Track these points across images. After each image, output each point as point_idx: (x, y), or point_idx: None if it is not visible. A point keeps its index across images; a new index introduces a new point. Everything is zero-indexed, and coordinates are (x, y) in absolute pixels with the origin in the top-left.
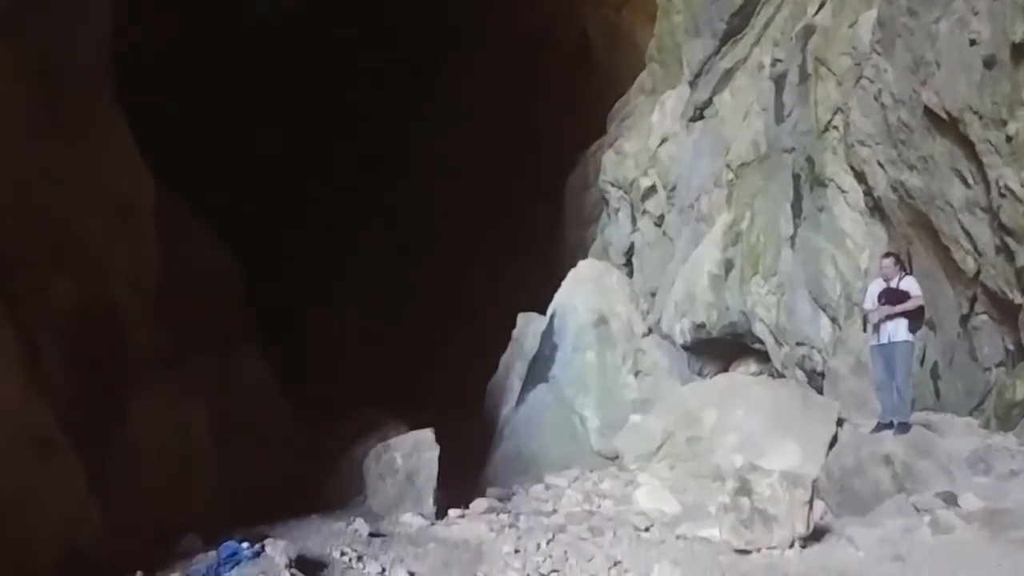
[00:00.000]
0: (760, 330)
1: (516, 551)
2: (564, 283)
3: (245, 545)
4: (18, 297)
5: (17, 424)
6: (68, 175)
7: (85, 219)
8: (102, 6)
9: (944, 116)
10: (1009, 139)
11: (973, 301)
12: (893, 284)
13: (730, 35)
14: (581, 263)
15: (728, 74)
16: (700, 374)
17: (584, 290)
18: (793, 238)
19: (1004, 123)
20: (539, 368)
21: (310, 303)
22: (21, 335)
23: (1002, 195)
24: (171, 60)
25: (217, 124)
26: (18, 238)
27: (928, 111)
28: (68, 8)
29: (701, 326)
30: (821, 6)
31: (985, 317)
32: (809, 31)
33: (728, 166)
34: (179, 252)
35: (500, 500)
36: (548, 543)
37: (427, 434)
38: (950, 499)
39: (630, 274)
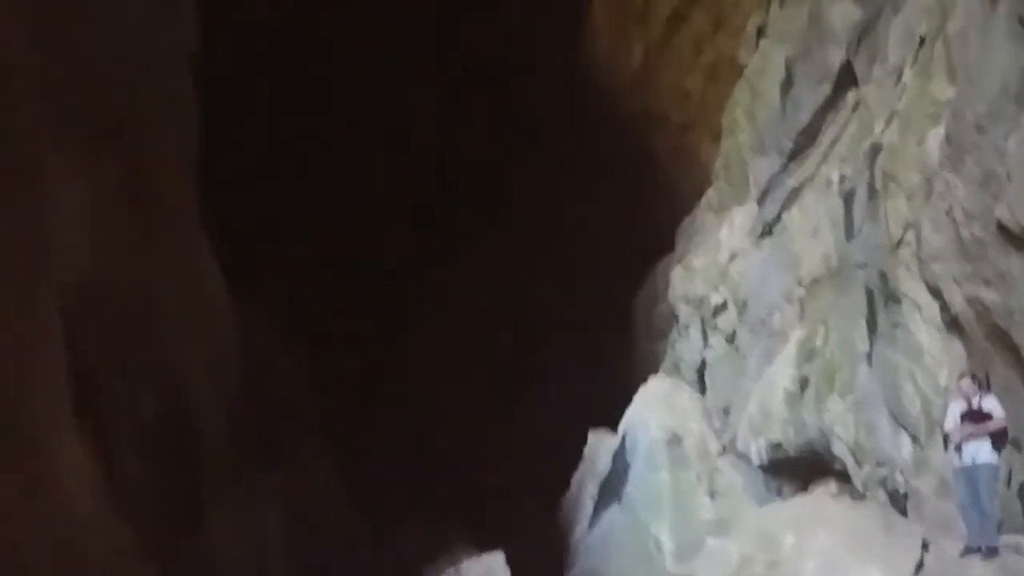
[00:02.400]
0: (839, 449)
1: None
2: (635, 400)
3: None
4: (105, 413)
5: (98, 538)
6: (154, 288)
7: (168, 332)
8: (191, 117)
9: (1018, 231)
10: None
11: None
12: (975, 404)
13: (796, 153)
14: (651, 380)
15: (796, 191)
16: (778, 494)
17: (656, 408)
18: (869, 354)
19: None
20: (612, 488)
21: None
22: (106, 449)
23: None
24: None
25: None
26: (105, 353)
27: (1001, 226)
28: (160, 120)
29: (778, 445)
30: (888, 124)
31: None
32: (876, 148)
33: (799, 282)
34: (252, 358)
35: None
36: None
37: (498, 559)
38: None
39: (702, 391)
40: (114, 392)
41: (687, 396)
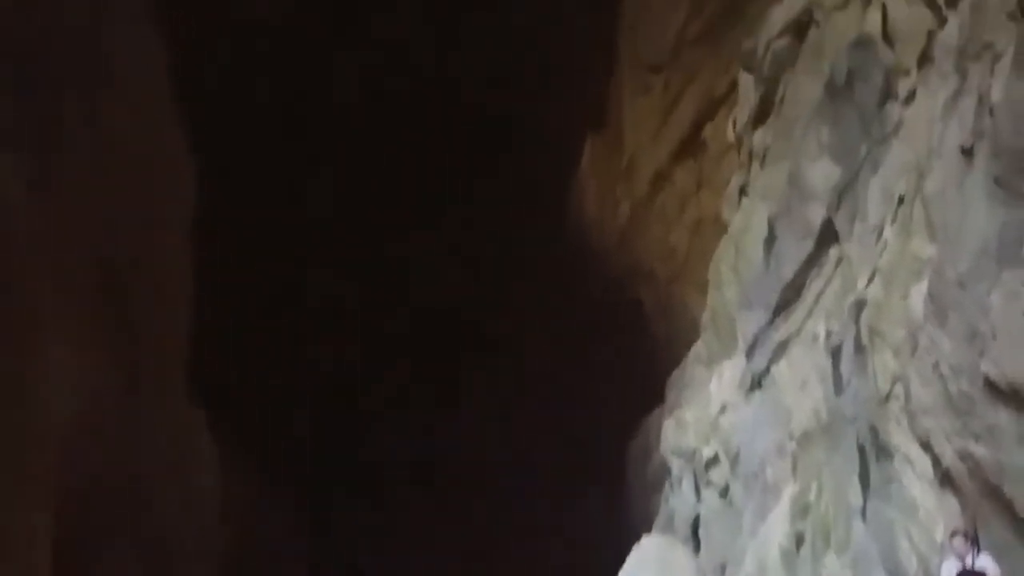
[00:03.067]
0: None
1: None
2: (628, 562)
3: None
4: None
5: None
6: (143, 460)
7: (156, 502)
8: (185, 277)
9: (1005, 387)
10: None
11: None
12: (968, 563)
13: (782, 307)
14: (645, 539)
15: (783, 345)
16: None
17: (650, 571)
18: (863, 510)
19: None
20: None
21: None
22: None
23: None
24: None
25: None
26: (91, 521)
27: (988, 382)
28: (157, 282)
29: None
30: (871, 280)
31: None
32: (861, 304)
33: (791, 436)
34: (238, 519)
35: None
36: None
37: None
38: None
39: (696, 547)
40: (101, 560)
41: (681, 556)
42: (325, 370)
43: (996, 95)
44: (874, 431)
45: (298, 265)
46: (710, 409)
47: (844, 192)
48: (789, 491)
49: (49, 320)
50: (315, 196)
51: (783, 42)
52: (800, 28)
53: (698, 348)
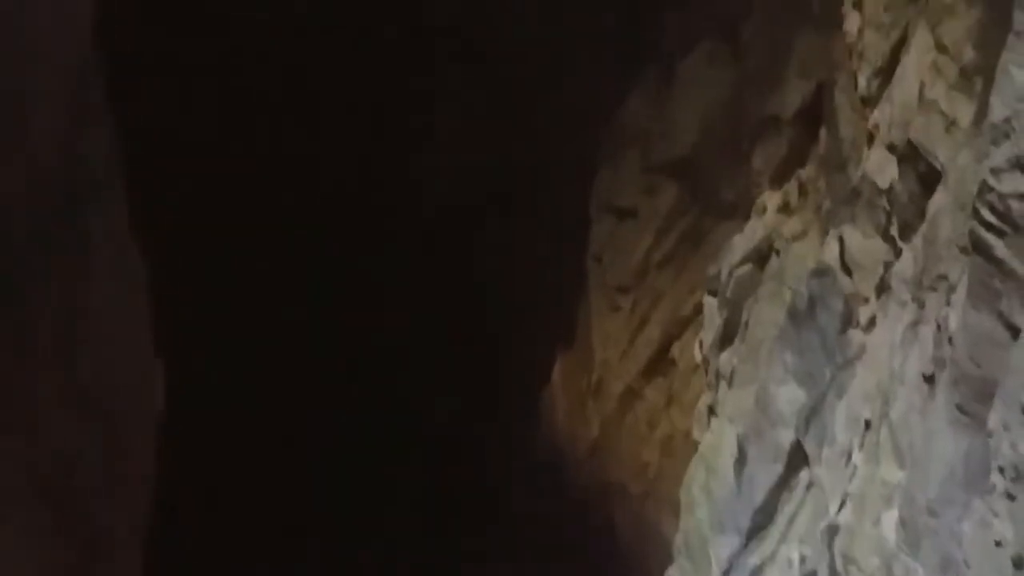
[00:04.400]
0: None
1: None
2: None
3: None
4: None
5: None
6: None
7: None
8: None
9: None
10: None
11: None
12: None
13: (755, 531)
14: None
15: (758, 570)
16: None
17: None
18: None
19: None
20: None
21: None
22: None
23: None
24: None
25: None
26: None
27: None
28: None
29: None
30: (842, 505)
31: None
32: (833, 530)
33: None
34: None
35: None
36: None
37: None
38: None
39: None
40: None
41: None
42: None
43: (953, 325)
44: None
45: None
46: None
47: (811, 416)
48: None
49: None
50: None
51: (745, 269)
52: (761, 256)
53: (671, 574)
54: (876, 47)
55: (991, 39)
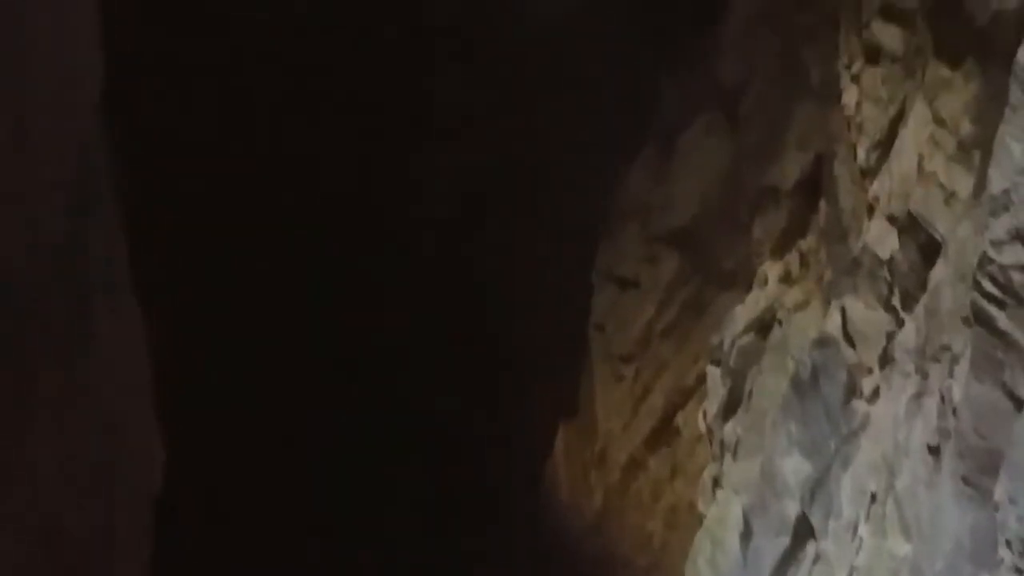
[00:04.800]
0: None
1: None
2: None
3: None
4: None
5: None
6: None
7: None
8: None
9: None
10: None
11: None
12: None
13: None
14: None
15: None
16: None
17: None
18: None
19: None
20: None
21: None
22: None
23: None
24: None
25: None
26: None
27: None
28: None
29: None
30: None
31: None
32: None
33: None
34: None
35: None
36: None
37: None
38: None
39: None
40: None
41: None
42: None
43: (957, 396)
44: None
45: None
46: None
47: (816, 488)
48: None
49: None
50: None
51: (748, 339)
52: (764, 326)
53: None
54: (874, 120)
55: (988, 113)
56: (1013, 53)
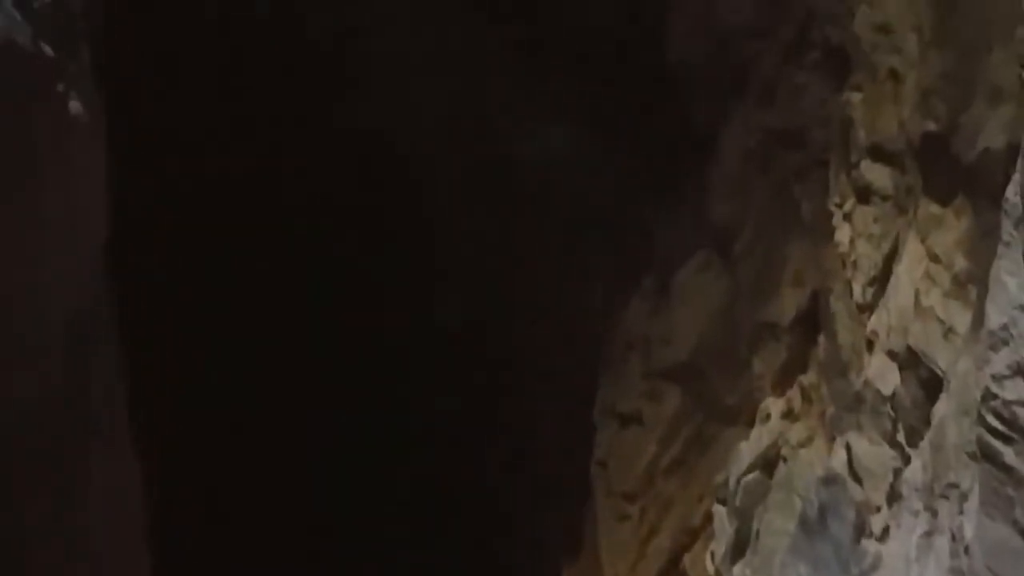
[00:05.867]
0: None
1: None
2: None
3: None
4: None
5: None
6: None
7: None
8: None
9: None
10: None
11: None
12: None
13: None
14: None
15: None
16: None
17: None
18: None
19: None
20: None
21: None
22: None
23: None
24: None
25: None
26: None
27: None
28: None
29: None
30: None
31: None
32: None
33: None
34: None
35: None
36: None
37: None
38: None
39: None
40: None
41: None
42: None
43: (968, 534)
44: None
45: None
46: None
47: None
48: None
49: None
50: None
51: (753, 477)
52: (768, 463)
53: None
54: (869, 257)
55: (981, 248)
56: (1001, 190)
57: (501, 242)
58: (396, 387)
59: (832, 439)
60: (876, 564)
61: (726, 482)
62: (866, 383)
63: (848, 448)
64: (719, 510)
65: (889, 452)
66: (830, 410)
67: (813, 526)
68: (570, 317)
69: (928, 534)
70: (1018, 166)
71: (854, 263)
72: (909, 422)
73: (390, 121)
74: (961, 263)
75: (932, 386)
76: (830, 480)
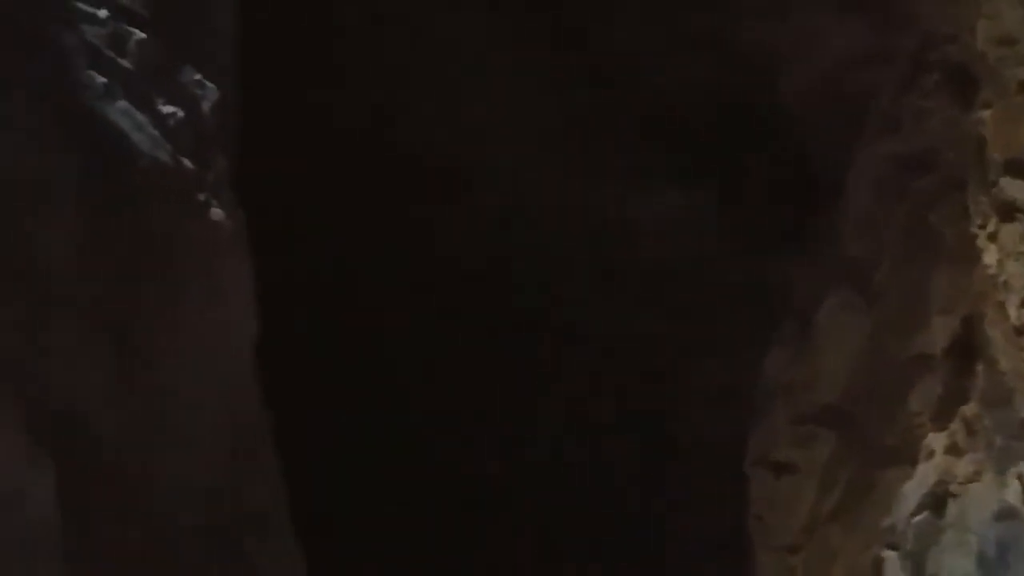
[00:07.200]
0: None
1: None
2: None
3: None
4: None
5: None
6: None
7: None
8: None
9: None
10: None
11: None
12: None
13: None
14: None
15: None
16: None
17: None
18: None
19: None
20: None
21: None
22: None
23: None
24: None
25: None
26: None
27: None
28: None
29: None
30: None
31: None
32: None
33: None
34: None
35: None
36: None
37: None
38: None
39: None
40: None
41: None
42: None
43: None
44: None
45: None
46: None
47: None
48: None
49: None
50: None
51: (923, 517)
52: (938, 502)
53: None
54: (1020, 276)
55: None
56: None
57: (633, 303)
58: (553, 458)
59: (1002, 472)
60: None
61: (893, 526)
62: None
63: (1020, 479)
64: (890, 555)
65: None
66: (997, 441)
67: (992, 565)
68: (714, 372)
69: None
70: None
71: (1005, 284)
72: None
73: (515, 210)
74: None
75: None
76: (1005, 514)
